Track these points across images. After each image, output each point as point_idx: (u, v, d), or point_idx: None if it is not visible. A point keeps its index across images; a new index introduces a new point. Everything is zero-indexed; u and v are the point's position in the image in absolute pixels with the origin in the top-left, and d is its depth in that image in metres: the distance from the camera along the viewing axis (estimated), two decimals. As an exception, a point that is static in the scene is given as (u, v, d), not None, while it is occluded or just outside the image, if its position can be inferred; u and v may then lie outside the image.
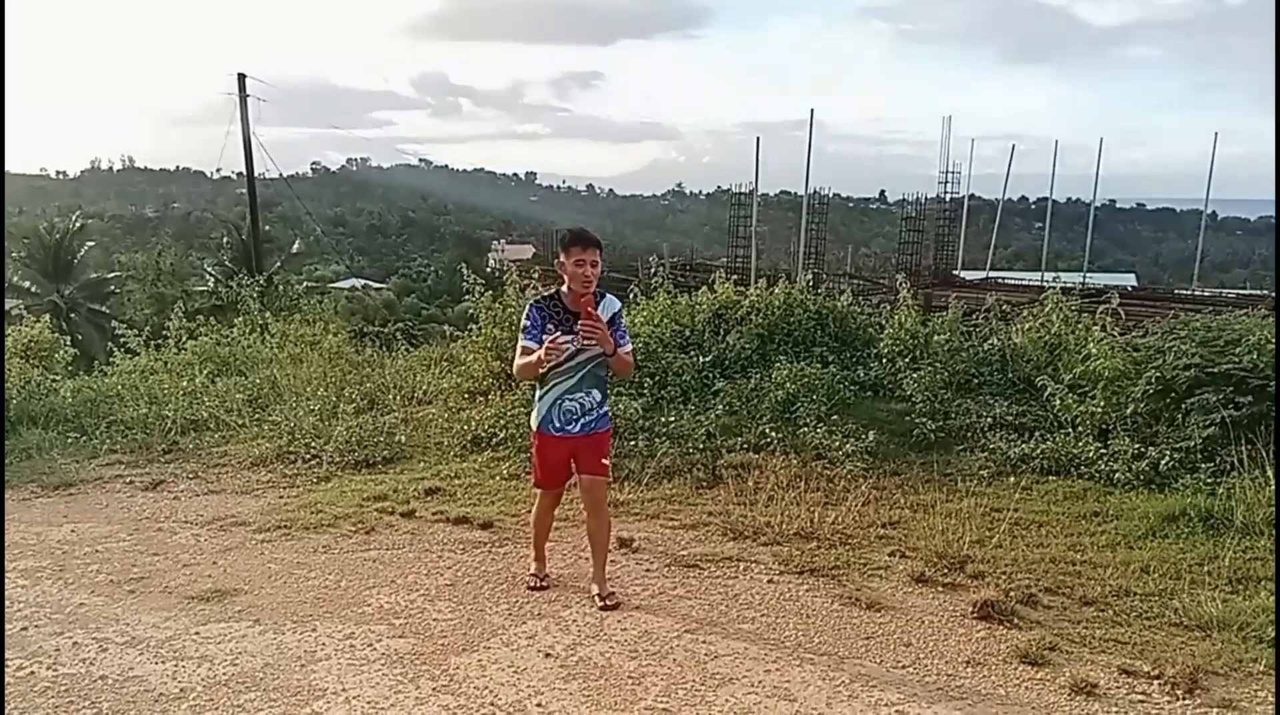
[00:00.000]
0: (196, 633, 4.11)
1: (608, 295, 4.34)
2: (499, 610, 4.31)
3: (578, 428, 4.37)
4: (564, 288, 4.31)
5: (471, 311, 8.79)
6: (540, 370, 4.25)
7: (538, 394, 4.43)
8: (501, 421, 7.11)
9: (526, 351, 4.29)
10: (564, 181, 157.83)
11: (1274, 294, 7.05)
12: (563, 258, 4.26)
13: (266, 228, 33.16)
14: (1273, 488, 5.29)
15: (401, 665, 3.77)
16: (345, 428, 7.21)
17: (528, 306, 4.37)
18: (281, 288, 22.84)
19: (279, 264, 29.68)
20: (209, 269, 29.98)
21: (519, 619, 4.22)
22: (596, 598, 4.42)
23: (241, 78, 23.72)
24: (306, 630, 4.11)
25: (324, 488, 6.33)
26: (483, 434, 7.12)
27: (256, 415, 8.09)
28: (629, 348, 4.45)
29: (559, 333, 4.21)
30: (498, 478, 6.39)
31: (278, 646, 3.96)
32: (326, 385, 8.57)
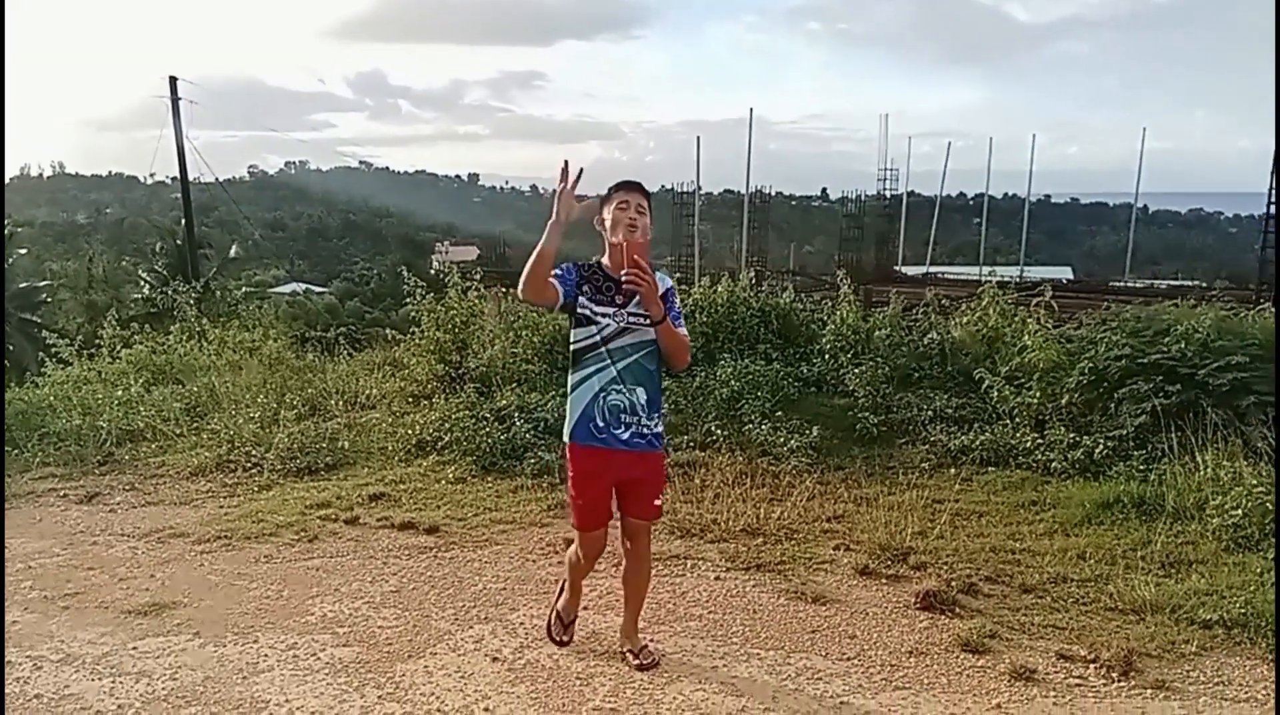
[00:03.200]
0: (134, 648, 4.02)
1: (658, 272, 3.48)
2: (445, 615, 4.28)
3: (627, 434, 3.48)
4: (604, 258, 3.54)
5: (413, 314, 8.73)
6: (555, 243, 3.31)
7: (572, 378, 3.54)
8: (446, 425, 7.05)
9: (554, 281, 3.41)
10: (507, 182, 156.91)
11: (1274, 293, 7.24)
12: (603, 213, 3.51)
13: (204, 230, 32.56)
14: (1203, 473, 5.45)
15: (346, 674, 3.72)
16: (287, 434, 7.10)
17: (569, 264, 3.52)
18: (219, 293, 22.46)
19: (216, 269, 29.13)
20: (143, 276, 29.31)
21: (466, 624, 4.19)
22: (630, 655, 3.78)
23: (173, 80, 23.28)
24: (248, 642, 4.04)
25: (265, 496, 6.23)
26: (428, 438, 7.05)
27: (195, 424, 7.93)
28: (685, 330, 3.56)
29: (595, 300, 3.44)
30: (443, 482, 6.34)
31: (218, 659, 3.89)
32: (267, 392, 8.42)
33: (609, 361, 3.48)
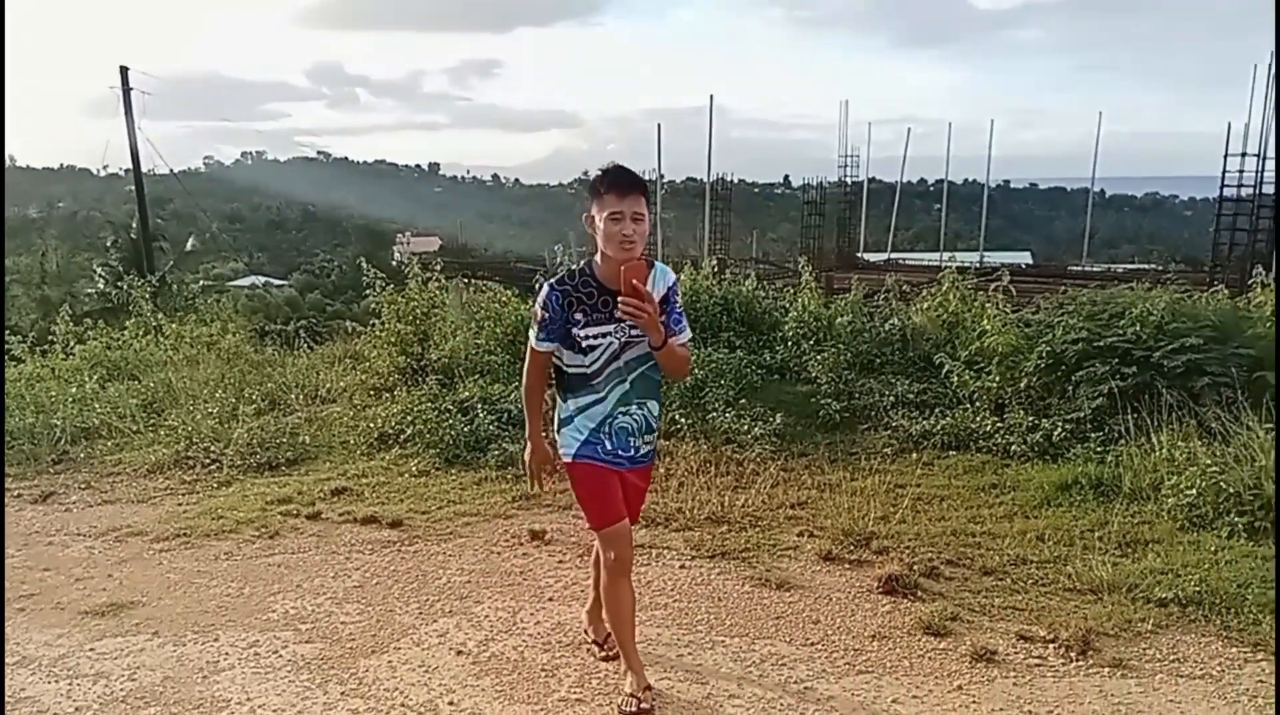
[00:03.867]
0: (91, 649, 3.96)
1: (659, 264, 3.19)
2: (409, 610, 4.25)
3: (632, 454, 3.29)
4: (596, 258, 3.16)
5: (374, 306, 8.66)
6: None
7: (568, 405, 3.29)
8: (409, 417, 7.00)
9: (544, 359, 3.28)
10: (468, 172, 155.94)
11: (1275, 285, 7.33)
12: (592, 210, 3.09)
13: (160, 223, 32.03)
14: (1158, 454, 5.54)
15: (309, 671, 3.69)
16: (246, 430, 7.02)
17: (544, 289, 3.17)
18: (176, 287, 22.11)
19: (172, 263, 28.67)
20: (98, 270, 28.77)
21: (430, 617, 4.17)
22: (595, 646, 3.77)
23: (124, 71, 22.79)
24: (208, 640, 3.99)
25: (225, 493, 6.15)
26: (390, 431, 7.00)
27: (151, 420, 7.81)
28: (687, 337, 3.26)
29: (588, 323, 3.12)
30: (406, 475, 6.30)
31: (178, 659, 3.84)
32: (225, 387, 8.32)
33: (614, 383, 3.19)
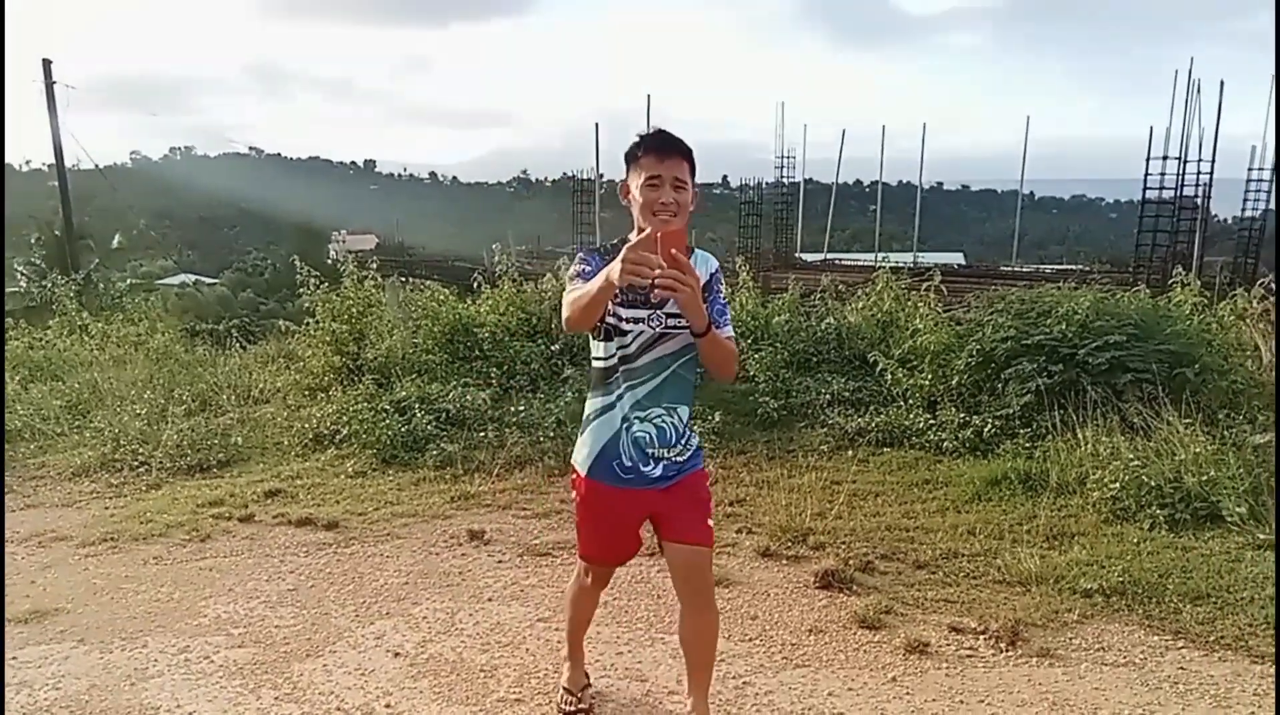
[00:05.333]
0: (14, 657, 3.83)
1: (699, 250, 2.81)
2: (345, 612, 4.20)
3: (659, 471, 2.79)
4: (631, 235, 2.72)
5: (308, 305, 8.53)
6: (608, 299, 2.58)
7: (587, 407, 2.87)
8: (345, 417, 6.91)
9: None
10: (405, 169, 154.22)
11: (1275, 287, 7.51)
12: (628, 178, 2.74)
13: (85, 220, 31.09)
14: (1083, 448, 5.69)
15: (241, 676, 3.62)
16: (175, 431, 6.86)
17: (578, 254, 2.83)
18: (102, 286, 21.49)
19: (98, 261, 27.87)
20: (20, 268, 27.84)
21: (366, 620, 4.12)
22: None
23: (46, 64, 22.12)
24: (136, 647, 3.89)
25: (154, 496, 6.01)
26: (325, 431, 6.91)
27: (76, 422, 7.60)
28: (731, 332, 2.78)
29: (621, 302, 2.69)
30: (342, 476, 6.21)
31: (105, 666, 3.74)
32: (154, 387, 8.13)
33: (641, 379, 2.74)
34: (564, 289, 2.75)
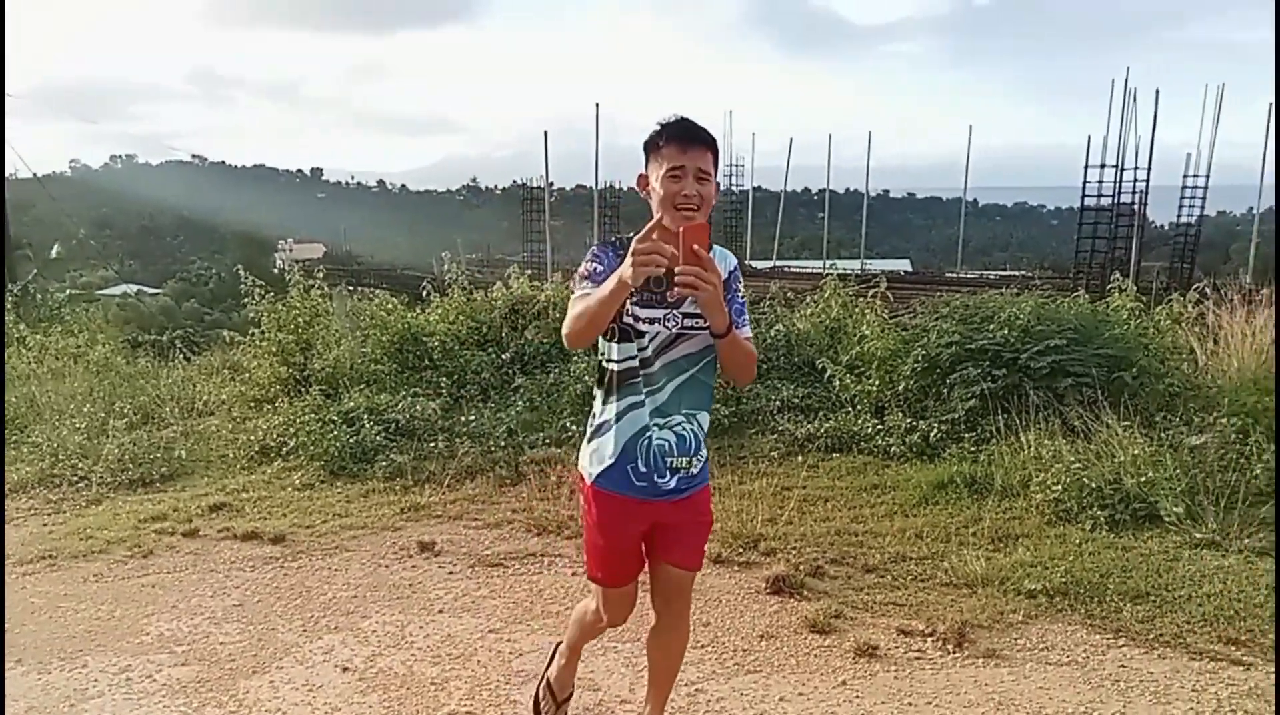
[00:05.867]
0: (-54, 681, 3.73)
1: (717, 247, 2.57)
2: (292, 627, 4.14)
3: (673, 483, 2.64)
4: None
5: (253, 315, 8.41)
6: (620, 303, 2.42)
7: (605, 410, 2.67)
8: (291, 429, 6.81)
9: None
10: (352, 177, 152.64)
11: (1275, 293, 7.64)
12: (648, 170, 2.57)
13: (22, 229, 30.33)
14: (1026, 452, 5.80)
15: (185, 695, 3.55)
16: (117, 445, 6.71)
17: (592, 248, 2.66)
18: (40, 297, 20.95)
19: (36, 272, 27.18)
20: (-47, 279, 27.09)
21: (314, 635, 4.06)
22: None
23: (-19, 68, 21.56)
24: (76, 666, 3.80)
25: (94, 511, 5.87)
26: (271, 443, 6.81)
27: (13, 437, 7.39)
28: (750, 333, 2.64)
29: (637, 302, 2.52)
30: (289, 488, 6.13)
31: (43, 687, 3.64)
32: (94, 400, 7.93)
33: (659, 384, 2.58)
34: (568, 295, 2.67)
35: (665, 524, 2.71)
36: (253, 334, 8.53)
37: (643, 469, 2.61)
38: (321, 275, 9.00)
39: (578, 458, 2.80)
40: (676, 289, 2.33)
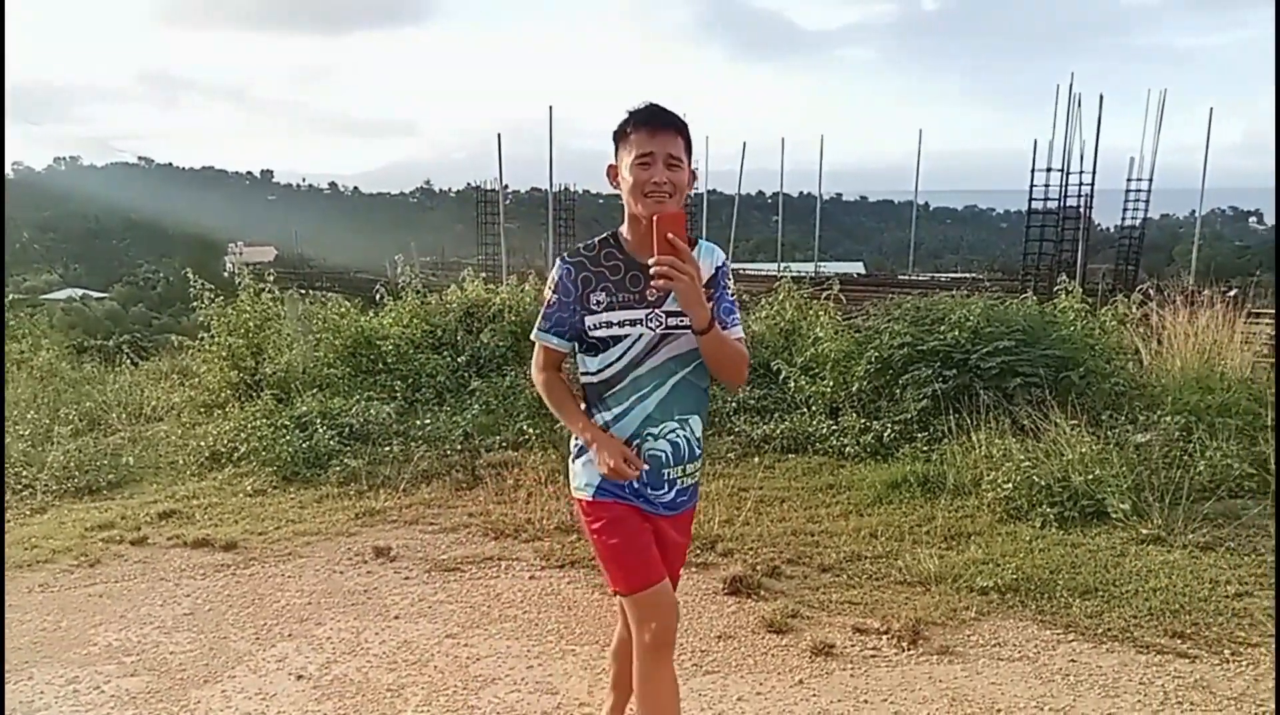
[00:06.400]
0: (-117, 697, 3.62)
1: (704, 241, 2.51)
2: (245, 635, 4.08)
3: (670, 496, 2.52)
4: (623, 228, 2.48)
5: (202, 319, 8.29)
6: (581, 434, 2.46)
7: (592, 417, 2.53)
8: (243, 434, 6.72)
9: (549, 357, 2.54)
10: (304, 179, 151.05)
11: (1276, 298, 7.73)
12: (616, 157, 2.45)
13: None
14: (978, 451, 5.89)
15: (134, 706, 3.49)
16: (62, 452, 6.56)
17: (556, 266, 2.48)
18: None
19: (-24, 275, 26.54)
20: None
21: (267, 642, 4.01)
22: None
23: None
24: (21, 679, 3.71)
25: (39, 520, 5.74)
26: (222, 449, 6.71)
27: (-47, 445, 7.21)
28: (741, 332, 2.48)
29: (612, 306, 2.40)
30: (241, 495, 6.04)
31: (-14, 701, 3.56)
32: (38, 407, 7.76)
33: (645, 390, 2.42)
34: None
35: (661, 540, 2.56)
36: (202, 338, 8.40)
37: (635, 485, 2.47)
38: (272, 278, 8.89)
39: (568, 479, 2.63)
40: (653, 283, 2.26)
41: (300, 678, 3.68)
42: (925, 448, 6.22)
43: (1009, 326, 6.86)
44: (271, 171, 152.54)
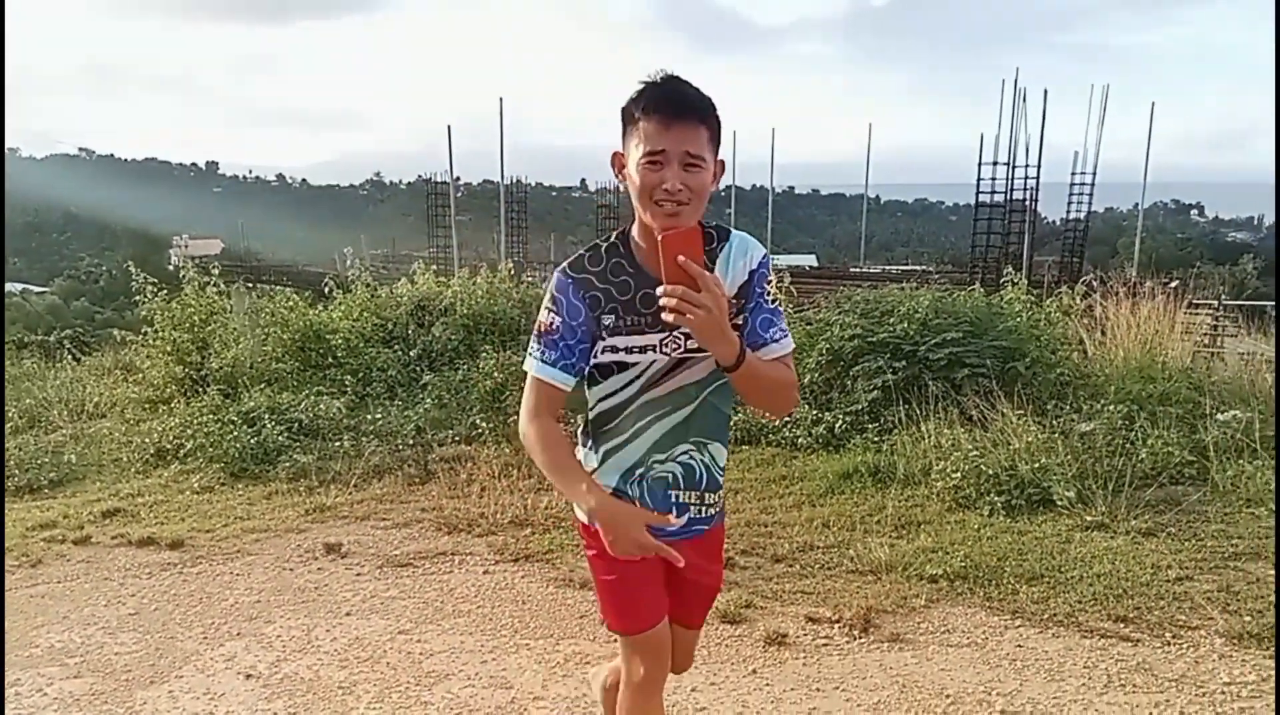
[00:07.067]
0: None
1: (736, 234, 2.07)
2: (192, 635, 4.01)
3: (683, 519, 2.15)
4: (634, 229, 2.04)
5: (145, 314, 8.13)
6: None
7: (594, 452, 2.17)
8: (189, 430, 6.60)
9: (550, 399, 2.07)
10: (251, 171, 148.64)
11: (1275, 298, 7.80)
12: (623, 143, 1.96)
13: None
14: (927, 441, 5.97)
15: (78, 708, 3.41)
16: (0, 451, 6.41)
17: (554, 279, 2.05)
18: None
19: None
20: None
21: (215, 642, 3.94)
22: None
23: None
24: (-42, 684, 3.62)
25: (-24, 521, 5.59)
26: (167, 446, 6.59)
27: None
28: (788, 347, 2.07)
29: (619, 330, 2.00)
30: (188, 492, 5.94)
31: (-78, 707, 3.46)
32: (-26, 405, 7.57)
33: (658, 413, 2.07)
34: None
35: (677, 577, 2.20)
36: (146, 333, 8.24)
37: (641, 506, 2.11)
38: (218, 272, 8.75)
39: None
40: (664, 317, 1.85)
41: (249, 677, 3.63)
42: (876, 438, 6.29)
43: (957, 318, 6.95)
44: (216, 163, 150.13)
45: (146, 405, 7.71)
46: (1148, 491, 5.24)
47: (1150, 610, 4.00)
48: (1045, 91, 21.14)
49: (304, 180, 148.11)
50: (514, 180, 29.02)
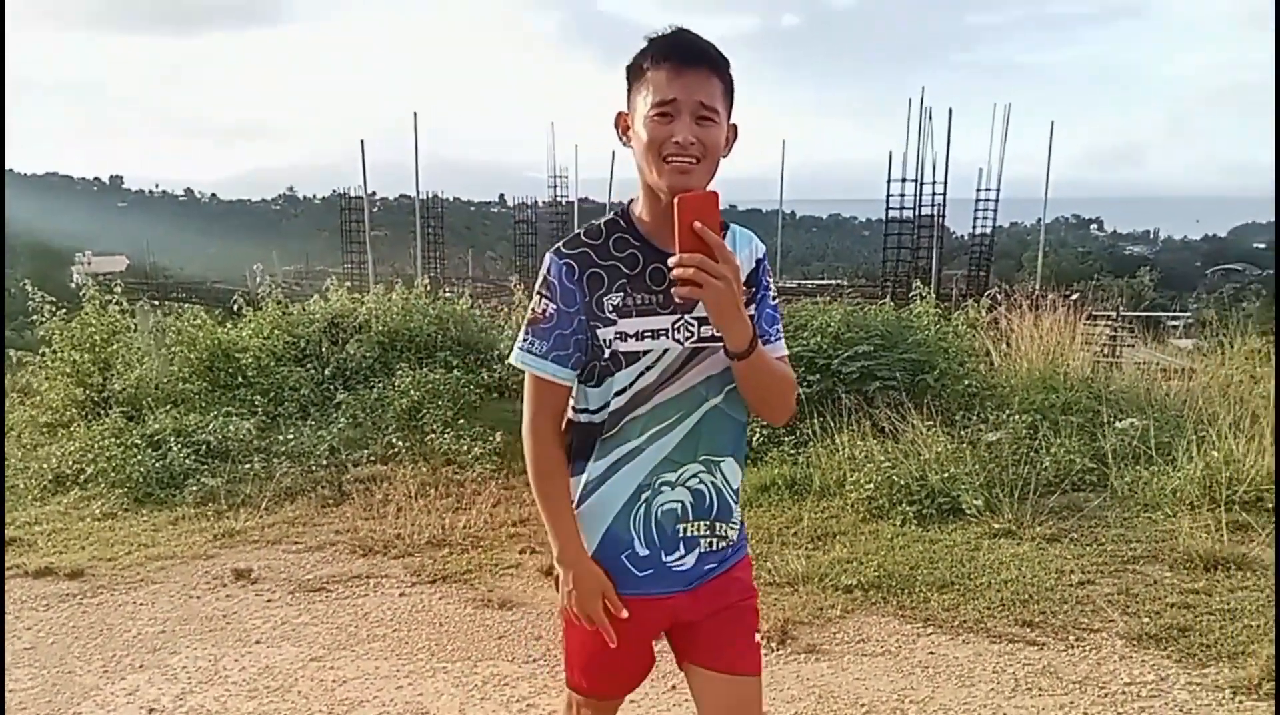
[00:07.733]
0: None
1: (736, 227, 1.88)
2: (92, 668, 3.86)
3: (690, 561, 1.87)
4: (637, 201, 1.82)
5: (43, 334, 7.84)
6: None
7: (586, 471, 1.87)
8: (89, 455, 6.36)
9: (552, 398, 1.84)
10: (157, 186, 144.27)
11: (1275, 302, 7.94)
12: (628, 101, 1.78)
13: None
14: (841, 453, 6.07)
15: (-32, 750, 3.26)
16: (-117, 480, 6.09)
17: (548, 263, 1.78)
18: None
19: None
20: None
21: (116, 675, 3.80)
22: None
23: None
24: None
25: None
26: (67, 471, 6.34)
27: None
28: (784, 347, 1.92)
29: (629, 311, 1.76)
30: (88, 519, 5.72)
31: None
32: None
33: (666, 422, 1.81)
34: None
35: (691, 623, 1.93)
36: (43, 354, 7.94)
37: (643, 552, 1.86)
38: (120, 289, 8.48)
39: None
40: (675, 291, 1.65)
41: (152, 711, 3.50)
42: (792, 451, 6.37)
43: (868, 332, 7.10)
44: (121, 177, 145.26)
45: (45, 429, 7.41)
46: (1051, 498, 5.42)
47: (1054, 614, 4.12)
48: (950, 110, 21.75)
49: (214, 195, 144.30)
50: (430, 195, 28.78)
